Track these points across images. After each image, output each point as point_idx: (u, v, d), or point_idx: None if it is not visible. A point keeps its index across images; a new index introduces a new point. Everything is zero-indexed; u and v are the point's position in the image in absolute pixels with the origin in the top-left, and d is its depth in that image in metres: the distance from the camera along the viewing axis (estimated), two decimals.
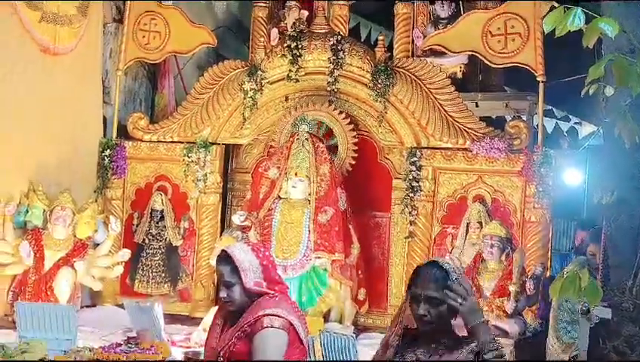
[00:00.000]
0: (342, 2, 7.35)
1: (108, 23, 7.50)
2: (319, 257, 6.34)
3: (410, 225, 6.59)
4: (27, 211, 6.44)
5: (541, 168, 6.13)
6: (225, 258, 3.10)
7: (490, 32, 6.44)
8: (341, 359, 4.91)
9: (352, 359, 4.90)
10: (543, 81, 6.31)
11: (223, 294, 3.07)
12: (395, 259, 6.82)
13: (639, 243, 2.92)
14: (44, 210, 6.37)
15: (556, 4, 5.86)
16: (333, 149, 6.74)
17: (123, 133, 7.41)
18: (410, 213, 6.56)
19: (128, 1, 7.41)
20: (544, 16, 5.96)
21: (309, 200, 6.50)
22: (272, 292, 3.09)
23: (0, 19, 6.25)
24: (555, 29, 2.49)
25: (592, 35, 2.47)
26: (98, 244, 6.60)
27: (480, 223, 6.22)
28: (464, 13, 6.99)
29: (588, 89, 2.73)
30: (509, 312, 5.53)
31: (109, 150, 7.20)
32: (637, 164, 2.95)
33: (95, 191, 7.19)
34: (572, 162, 7.20)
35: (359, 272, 6.61)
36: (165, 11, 7.41)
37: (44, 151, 6.68)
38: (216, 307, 3.84)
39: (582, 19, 2.45)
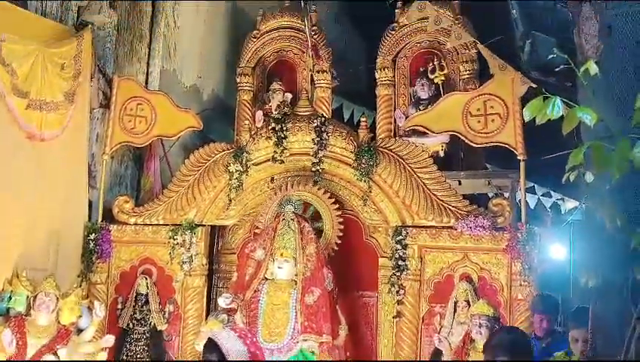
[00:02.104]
0: (324, 85, 7.53)
1: (95, 109, 7.60)
2: (307, 340, 6.26)
3: (398, 304, 6.55)
4: (10, 298, 6.34)
5: (526, 245, 6.17)
6: (212, 346, 3.07)
7: (470, 112, 6.58)
8: None
9: None
10: (523, 160, 6.42)
11: None
12: (384, 340, 6.75)
13: (626, 329, 2.94)
14: (28, 296, 6.28)
15: (534, 85, 6.04)
16: (318, 232, 6.76)
17: (108, 216, 7.40)
18: (397, 292, 6.54)
19: (115, 87, 7.53)
20: (522, 97, 6.20)
21: (296, 281, 6.47)
22: None
23: None
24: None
25: (570, 124, 2.55)
26: (82, 330, 6.48)
27: (467, 302, 6.20)
28: (444, 94, 7.16)
29: (568, 175, 2.80)
30: None
31: (94, 234, 7.18)
32: (621, 246, 3.00)
33: (79, 276, 7.11)
34: (555, 237, 7.27)
35: (347, 354, 6.52)
36: (151, 96, 7.53)
37: (29, 236, 6.63)
38: None
39: (561, 107, 2.54)
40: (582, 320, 4.16)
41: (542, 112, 2.52)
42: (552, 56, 2.91)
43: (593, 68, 2.57)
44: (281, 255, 6.48)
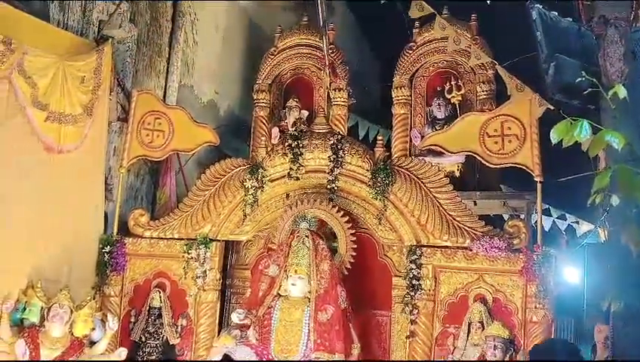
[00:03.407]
0: (341, 102, 7.55)
1: (113, 122, 7.66)
2: (319, 357, 6.23)
3: (411, 324, 6.52)
4: (24, 308, 6.36)
5: (542, 268, 6.14)
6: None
7: (487, 133, 6.58)
8: None
9: None
10: (540, 181, 6.40)
11: None
12: (397, 359, 6.71)
13: None
14: (42, 308, 6.30)
15: (551, 107, 6.03)
16: (333, 250, 6.74)
17: (124, 229, 7.42)
18: (410, 311, 6.51)
19: (133, 101, 7.57)
20: (540, 119, 6.19)
21: (309, 299, 6.45)
22: None
23: (7, 118, 6.38)
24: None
25: (598, 147, 2.55)
26: (95, 342, 6.48)
27: (481, 323, 6.17)
28: (460, 114, 7.16)
29: (594, 198, 2.79)
30: None
31: (109, 246, 7.21)
32: None
33: (93, 288, 7.13)
34: (570, 260, 7.23)
35: None
36: (169, 111, 7.58)
37: (45, 247, 6.67)
38: None
39: (588, 131, 2.54)
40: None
41: (569, 135, 2.52)
42: (579, 79, 2.90)
43: (622, 91, 2.57)
44: (295, 271, 6.48)
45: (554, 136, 2.57)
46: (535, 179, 6.41)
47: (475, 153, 6.68)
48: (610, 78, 3.40)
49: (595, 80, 2.89)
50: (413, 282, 6.52)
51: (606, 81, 3.47)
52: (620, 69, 3.39)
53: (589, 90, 2.91)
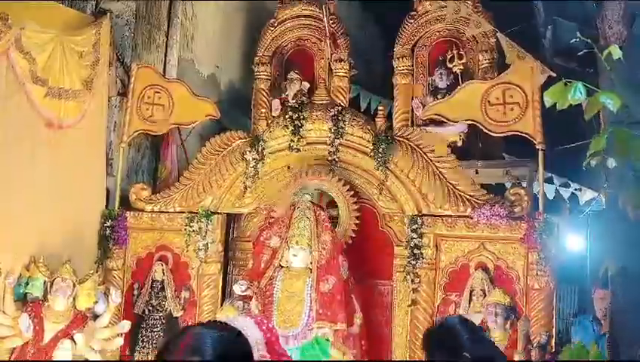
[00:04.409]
0: (342, 74, 7.49)
1: (112, 97, 7.63)
2: (321, 327, 6.26)
3: (413, 292, 6.54)
4: (27, 283, 6.41)
5: (543, 235, 6.13)
6: None
7: (488, 101, 6.53)
8: None
9: None
10: (542, 149, 6.37)
11: None
12: (399, 328, 6.75)
13: None
14: (45, 282, 6.34)
15: (554, 74, 5.98)
16: (334, 220, 6.75)
17: (125, 203, 7.44)
18: (412, 280, 6.53)
19: (133, 75, 7.54)
20: (542, 86, 6.14)
21: (311, 269, 6.47)
22: None
23: (7, 95, 6.36)
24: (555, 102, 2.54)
25: (593, 109, 2.52)
26: (98, 316, 6.53)
27: (483, 291, 6.19)
28: (462, 83, 7.11)
29: (589, 161, 2.76)
30: None
31: (110, 220, 7.23)
32: None
33: (96, 262, 7.17)
34: (573, 228, 7.22)
35: (362, 342, 6.52)
36: (169, 85, 7.54)
37: (47, 222, 6.69)
38: None
39: (583, 92, 2.50)
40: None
41: (563, 98, 2.49)
42: (574, 40, 2.86)
43: (617, 52, 2.53)
44: (297, 243, 6.49)
45: (547, 99, 2.54)
46: (537, 146, 6.38)
47: (476, 121, 6.65)
48: (608, 41, 3.35)
49: (590, 40, 2.85)
50: (415, 251, 6.53)
51: (604, 44, 3.42)
52: (619, 31, 3.34)
53: (585, 51, 2.87)
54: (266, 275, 6.55)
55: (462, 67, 7.76)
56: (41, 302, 6.26)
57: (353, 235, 6.79)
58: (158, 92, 7.49)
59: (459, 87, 7.00)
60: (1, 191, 6.23)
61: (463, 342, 2.65)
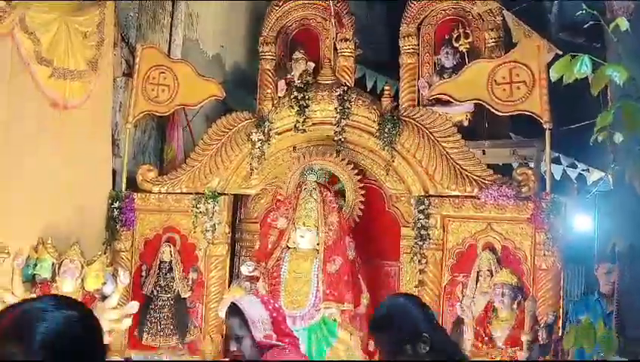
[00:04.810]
0: (347, 53, 7.45)
1: (118, 77, 7.62)
2: (328, 307, 6.28)
3: (420, 273, 6.54)
4: (36, 264, 6.43)
5: (550, 215, 6.11)
6: (234, 311, 3.06)
7: (495, 80, 6.48)
8: None
9: None
10: (549, 128, 6.32)
11: (233, 347, 3.04)
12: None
13: None
14: (53, 263, 6.36)
15: (560, 52, 5.92)
16: (340, 195, 6.73)
17: (132, 185, 7.44)
18: (419, 261, 6.52)
19: (138, 56, 7.52)
20: (549, 64, 6.09)
21: (318, 250, 6.47)
22: (283, 344, 3.05)
23: (12, 75, 6.35)
24: (561, 77, 2.50)
25: (599, 83, 2.48)
26: (106, 297, 6.55)
27: (490, 271, 6.18)
28: (469, 62, 7.05)
29: (597, 136, 2.73)
30: None
31: (118, 202, 7.23)
32: None
33: (104, 244, 7.18)
34: (581, 208, 7.18)
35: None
36: (174, 65, 7.52)
37: (54, 204, 6.71)
38: (226, 360, 3.81)
39: (589, 66, 2.46)
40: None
41: (569, 71, 2.45)
42: (580, 13, 2.82)
43: (624, 24, 2.49)
44: (303, 224, 6.49)
45: (553, 74, 2.50)
46: (544, 126, 6.33)
47: (483, 101, 6.61)
48: (614, 14, 3.31)
49: (596, 13, 2.80)
50: (422, 232, 6.52)
51: (610, 17, 3.37)
52: (626, 5, 3.29)
53: (591, 23, 2.83)
54: (273, 256, 6.56)
55: (468, 46, 7.72)
56: (49, 283, 6.29)
57: (359, 217, 6.77)
58: (163, 72, 7.47)
59: (465, 66, 6.96)
60: (7, 172, 6.24)
61: (416, 317, 2.42)
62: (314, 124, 7.01)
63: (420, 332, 2.35)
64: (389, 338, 2.41)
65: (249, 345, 2.99)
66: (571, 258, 7.19)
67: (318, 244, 6.48)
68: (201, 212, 7.11)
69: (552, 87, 6.29)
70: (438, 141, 6.66)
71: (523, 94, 6.40)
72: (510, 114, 6.71)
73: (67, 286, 6.24)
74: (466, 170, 6.55)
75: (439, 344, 2.38)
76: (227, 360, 3.17)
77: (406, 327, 2.37)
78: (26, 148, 6.45)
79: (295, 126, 7.00)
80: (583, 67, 2.43)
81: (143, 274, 7.25)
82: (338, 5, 7.79)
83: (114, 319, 6.46)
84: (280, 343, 3.04)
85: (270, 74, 7.60)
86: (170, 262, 7.15)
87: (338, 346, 6.28)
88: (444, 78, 7.34)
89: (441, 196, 6.56)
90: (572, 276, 9.33)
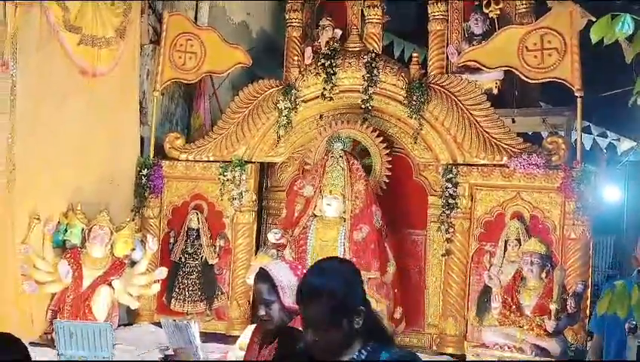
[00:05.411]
0: (375, 20, 7.36)
1: (145, 45, 7.61)
2: None
3: (447, 242, 6.52)
4: (66, 230, 6.52)
5: (580, 184, 6.03)
6: (263, 276, 3.06)
7: (526, 47, 6.38)
8: None
9: None
10: (580, 96, 6.22)
11: (261, 312, 3.04)
12: (432, 278, 6.75)
13: None
14: (83, 229, 6.44)
15: (593, 19, 5.79)
16: (368, 169, 6.71)
17: (160, 152, 7.48)
18: (446, 230, 6.50)
19: (165, 23, 7.51)
20: (581, 31, 5.97)
21: (344, 218, 6.47)
22: None
23: (41, 43, 6.37)
24: (597, 42, 2.42)
25: (639, 44, 2.40)
26: (135, 263, 6.64)
27: (518, 240, 6.14)
28: (499, 29, 6.94)
29: (635, 99, 2.67)
30: (549, 331, 5.42)
31: (146, 169, 7.28)
32: None
33: (132, 210, 7.25)
34: (611, 178, 7.09)
35: (395, 290, 6.54)
36: (201, 32, 7.50)
37: (83, 170, 6.77)
38: (253, 325, 3.83)
39: (631, 25, 2.39)
40: None
41: (610, 31, 2.38)
42: None
43: None
44: (330, 192, 6.48)
45: (593, 36, 2.43)
46: (575, 93, 6.23)
47: (513, 68, 6.52)
48: None
49: None
50: (449, 201, 6.48)
51: None
52: None
53: None
54: (299, 224, 6.58)
55: (498, 12, 7.60)
56: (79, 249, 6.38)
57: (386, 186, 6.74)
58: (190, 40, 7.45)
59: (495, 32, 6.85)
60: (37, 139, 6.29)
61: (357, 287, 2.16)
62: (341, 92, 6.96)
63: (358, 304, 2.11)
64: (323, 311, 2.09)
65: (277, 309, 2.99)
66: (601, 228, 7.13)
67: (344, 212, 6.47)
68: (228, 180, 7.13)
69: (582, 55, 6.19)
70: (466, 109, 6.59)
71: (554, 61, 6.29)
72: (541, 81, 6.61)
73: (96, 252, 6.31)
74: (495, 139, 6.48)
75: (370, 320, 2.14)
76: (255, 325, 3.21)
77: (347, 299, 2.10)
78: (55, 115, 6.49)
79: (322, 94, 6.96)
80: (625, 27, 2.36)
81: (171, 240, 7.32)
82: None
83: (143, 285, 6.56)
84: None
85: (297, 41, 7.53)
86: (198, 229, 7.21)
87: None
88: (473, 45, 7.23)
89: (470, 165, 6.51)
90: (600, 248, 9.25)
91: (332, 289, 2.09)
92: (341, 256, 6.30)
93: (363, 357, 2.09)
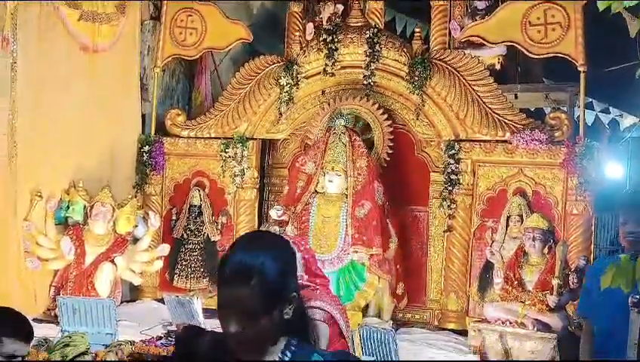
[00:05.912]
0: None
1: (145, 21, 7.57)
2: (357, 251, 6.29)
3: (449, 218, 6.51)
4: (68, 207, 6.53)
5: (583, 160, 6.01)
6: None
7: (529, 22, 6.34)
8: (381, 352, 4.85)
9: (392, 352, 4.84)
10: (584, 71, 6.18)
11: None
12: (434, 254, 6.76)
13: None
14: (85, 206, 6.45)
15: None
16: (370, 144, 6.69)
17: (161, 129, 7.46)
18: (448, 206, 6.48)
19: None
20: (584, 5, 5.90)
21: (346, 195, 6.46)
22: (313, 285, 3.07)
23: (41, 19, 6.32)
24: (603, 11, 2.39)
25: None
26: (138, 239, 6.64)
27: (521, 216, 6.13)
28: (502, 3, 6.88)
29: None
30: (551, 306, 5.42)
31: (147, 146, 7.27)
32: None
33: (134, 187, 7.25)
34: (614, 154, 7.05)
35: (397, 267, 6.56)
36: (202, 8, 7.45)
37: (85, 148, 6.76)
38: None
39: None
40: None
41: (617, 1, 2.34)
42: None
43: None
44: (332, 168, 6.47)
45: (601, 4, 2.39)
46: (579, 68, 6.20)
47: (516, 43, 6.48)
48: None
49: None
50: (452, 177, 6.46)
51: None
52: None
53: None
54: (301, 201, 6.57)
55: None
56: (81, 226, 6.38)
57: (387, 162, 6.72)
58: (191, 15, 7.41)
59: (498, 7, 6.78)
60: (38, 116, 6.28)
61: (293, 270, 1.76)
62: (343, 68, 6.92)
63: (292, 290, 1.70)
64: (256, 295, 1.64)
65: None
66: (602, 206, 7.11)
67: (346, 189, 6.46)
68: (229, 156, 7.12)
69: (586, 30, 6.14)
70: (469, 85, 6.55)
71: (558, 36, 6.25)
72: (544, 57, 6.56)
73: (99, 229, 6.32)
74: (497, 114, 6.45)
75: (299, 308, 1.73)
76: None
77: (285, 283, 1.68)
78: (57, 91, 6.47)
79: (324, 69, 6.92)
80: None
81: (174, 217, 7.33)
82: None
83: (145, 261, 6.58)
84: (311, 284, 3.05)
85: (298, 16, 7.46)
86: (200, 206, 7.21)
87: (366, 289, 6.32)
88: (476, 20, 7.17)
89: (472, 140, 6.49)
90: (602, 224, 9.21)
91: (269, 270, 1.66)
92: (344, 231, 6.31)
93: (287, 358, 1.70)
